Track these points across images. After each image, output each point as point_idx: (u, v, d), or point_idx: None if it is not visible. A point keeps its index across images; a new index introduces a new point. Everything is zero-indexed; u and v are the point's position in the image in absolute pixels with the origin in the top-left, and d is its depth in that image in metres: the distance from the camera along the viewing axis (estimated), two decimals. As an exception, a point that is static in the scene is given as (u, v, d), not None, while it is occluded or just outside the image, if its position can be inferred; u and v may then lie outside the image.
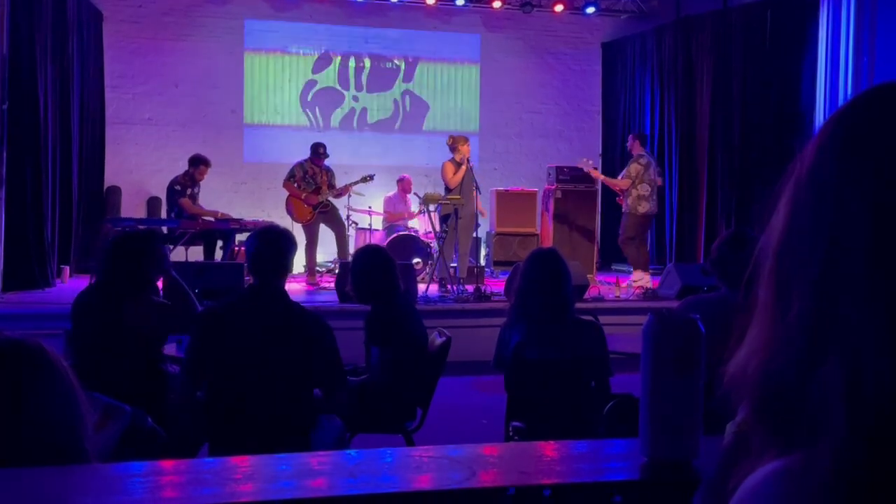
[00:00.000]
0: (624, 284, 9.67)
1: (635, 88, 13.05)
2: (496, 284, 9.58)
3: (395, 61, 13.37)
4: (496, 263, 11.03)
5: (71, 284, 9.11)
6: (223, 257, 9.32)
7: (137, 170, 12.13)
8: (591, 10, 13.11)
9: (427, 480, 1.49)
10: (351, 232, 10.83)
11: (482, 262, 11.16)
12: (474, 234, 10.10)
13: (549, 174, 11.37)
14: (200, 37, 12.42)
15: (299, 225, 9.75)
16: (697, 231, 11.53)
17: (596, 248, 11.04)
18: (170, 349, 4.31)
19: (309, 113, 12.99)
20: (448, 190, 9.46)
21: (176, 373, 3.99)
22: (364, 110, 13.23)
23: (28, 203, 8.74)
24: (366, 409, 3.99)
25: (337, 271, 9.44)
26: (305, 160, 9.95)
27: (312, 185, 9.83)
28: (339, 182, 10.16)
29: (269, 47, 12.85)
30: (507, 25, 13.47)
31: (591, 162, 10.46)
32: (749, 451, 0.79)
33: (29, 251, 8.72)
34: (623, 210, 9.85)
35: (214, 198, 10.07)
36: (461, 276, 9.21)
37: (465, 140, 9.53)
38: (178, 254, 9.06)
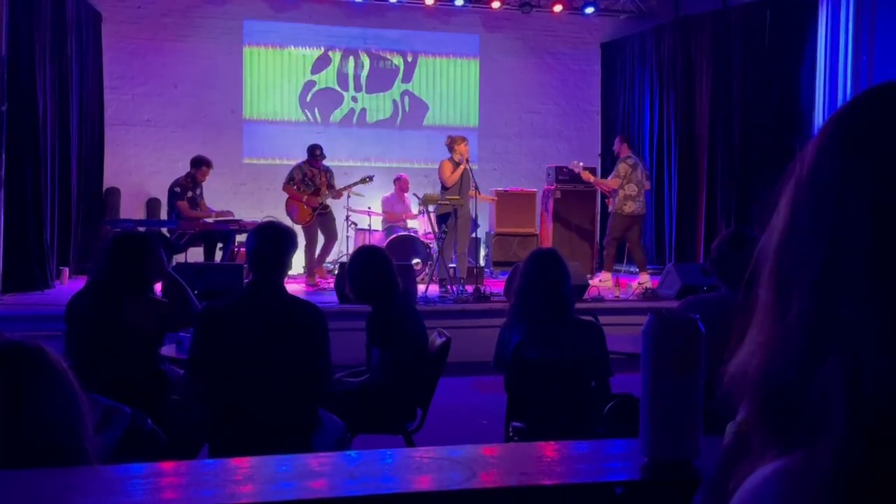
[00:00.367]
0: (594, 281, 9.70)
1: (634, 88, 13.05)
2: (496, 285, 9.58)
3: (394, 62, 13.37)
4: (496, 264, 11.04)
5: (70, 286, 9.10)
6: (223, 258, 9.31)
7: (136, 171, 12.13)
8: (590, 10, 13.11)
9: (427, 481, 1.49)
10: (350, 233, 10.83)
11: (482, 262, 11.16)
12: (473, 235, 10.10)
13: (549, 174, 11.38)
14: (199, 37, 12.41)
15: (299, 226, 9.75)
16: (697, 231, 11.53)
17: (595, 249, 11.05)
18: (169, 350, 4.31)
19: (308, 113, 12.98)
20: (445, 189, 9.46)
21: (175, 374, 3.99)
22: (363, 111, 13.23)
23: (27, 204, 8.73)
24: (366, 410, 3.99)
25: (336, 272, 9.43)
26: (304, 162, 9.97)
27: (312, 187, 9.85)
28: (339, 182, 10.17)
29: (267, 48, 12.85)
30: (506, 26, 13.47)
31: (581, 163, 10.48)
32: (749, 451, 0.78)
33: (28, 252, 8.72)
34: (609, 210, 9.92)
35: (214, 199, 10.06)
36: (460, 276, 9.21)
37: (463, 140, 9.53)
38: (177, 255, 9.06)
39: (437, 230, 9.39)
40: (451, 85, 13.55)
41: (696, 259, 11.06)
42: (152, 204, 11.86)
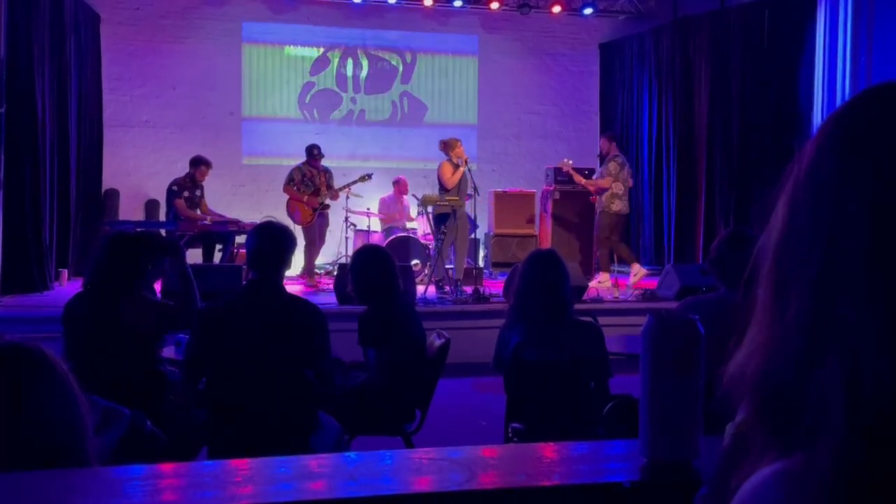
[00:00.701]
0: (594, 283, 9.71)
1: (633, 89, 13.06)
2: (495, 286, 9.58)
3: (393, 63, 13.37)
4: (495, 265, 11.03)
5: (69, 287, 9.09)
6: (222, 260, 9.31)
7: (135, 172, 12.13)
8: (588, 11, 13.11)
9: (427, 482, 1.49)
10: (349, 234, 10.84)
11: (481, 263, 11.16)
12: (472, 236, 10.10)
13: (548, 175, 11.37)
14: (198, 39, 12.42)
15: (300, 227, 9.76)
16: (696, 231, 11.53)
17: (594, 250, 11.05)
18: (168, 352, 4.30)
19: (307, 114, 12.99)
20: (445, 190, 9.46)
21: (175, 375, 3.98)
22: (362, 112, 13.24)
23: (26, 205, 8.73)
24: (365, 411, 3.99)
25: (336, 273, 9.43)
26: (303, 163, 10.00)
27: (311, 188, 9.87)
28: (338, 182, 10.19)
29: (266, 49, 12.85)
30: (504, 27, 13.47)
31: (570, 162, 10.52)
32: (749, 451, 0.78)
33: (27, 254, 8.72)
34: (597, 209, 9.94)
35: (213, 200, 10.06)
36: (458, 277, 9.21)
37: (458, 141, 9.52)
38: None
39: (435, 231, 9.39)
40: (449, 85, 13.55)
41: (695, 260, 11.07)
42: (151, 205, 11.86)
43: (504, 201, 11.22)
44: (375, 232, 11.18)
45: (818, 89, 9.93)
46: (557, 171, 11.13)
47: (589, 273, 10.09)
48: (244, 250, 8.80)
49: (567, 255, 9.06)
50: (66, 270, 9.73)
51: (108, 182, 11.72)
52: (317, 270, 10.32)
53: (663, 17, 12.85)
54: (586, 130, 13.86)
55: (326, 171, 10.03)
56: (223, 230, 9.35)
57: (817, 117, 9.83)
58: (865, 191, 0.72)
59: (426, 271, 9.91)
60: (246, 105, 12.77)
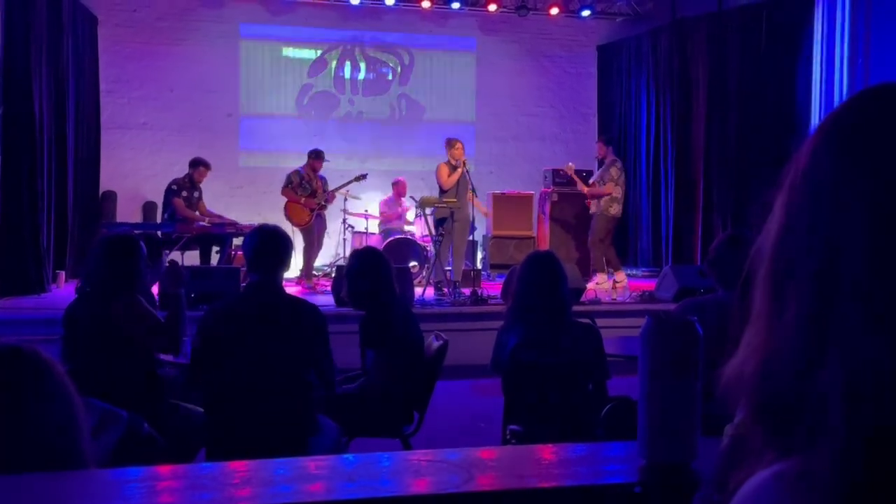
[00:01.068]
0: (591, 284, 9.74)
1: (631, 91, 13.07)
2: (493, 287, 9.58)
3: (391, 65, 13.37)
4: (493, 266, 11.03)
5: (67, 290, 9.08)
6: (219, 261, 9.31)
7: (133, 174, 12.12)
8: (586, 12, 13.13)
9: (425, 484, 1.49)
10: (347, 235, 10.84)
11: (479, 265, 11.16)
12: (470, 238, 10.10)
13: (546, 177, 11.38)
14: (195, 41, 12.41)
15: (297, 229, 9.76)
16: (694, 233, 11.54)
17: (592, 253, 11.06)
18: (167, 355, 4.29)
19: (305, 116, 12.98)
20: (442, 191, 9.47)
21: (171, 378, 3.98)
22: (360, 114, 13.24)
23: (24, 208, 8.72)
24: (363, 414, 3.99)
25: (333, 275, 9.43)
26: (303, 166, 10.02)
27: (309, 190, 9.88)
28: (332, 186, 10.19)
29: (264, 51, 12.85)
30: (502, 28, 13.47)
31: (573, 166, 10.52)
32: (748, 453, 0.78)
33: (25, 256, 8.71)
34: (593, 211, 9.95)
35: (211, 201, 10.06)
36: (456, 279, 9.21)
37: (458, 142, 9.53)
38: (173, 258, 9.04)
39: (433, 233, 9.39)
40: (447, 88, 13.56)
41: (693, 261, 11.08)
42: (149, 207, 11.85)
43: (502, 203, 11.22)
44: (373, 234, 11.18)
45: (816, 91, 9.94)
46: (556, 172, 11.13)
47: (587, 274, 10.10)
48: (242, 252, 8.84)
49: (565, 257, 9.09)
50: (63, 272, 9.72)
51: (105, 184, 11.71)
52: (315, 272, 10.32)
53: (661, 18, 12.85)
54: (584, 132, 13.86)
55: (323, 179, 10.07)
56: (221, 232, 9.35)
57: (815, 119, 9.85)
58: (863, 191, 0.72)
59: (424, 273, 9.91)
60: (243, 107, 12.76)
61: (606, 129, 13.47)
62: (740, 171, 10.88)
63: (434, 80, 13.51)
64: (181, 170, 9.97)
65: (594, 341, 3.83)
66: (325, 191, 10.00)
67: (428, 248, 10.18)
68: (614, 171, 9.89)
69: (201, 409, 3.54)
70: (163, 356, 4.10)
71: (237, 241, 9.35)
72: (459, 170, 9.34)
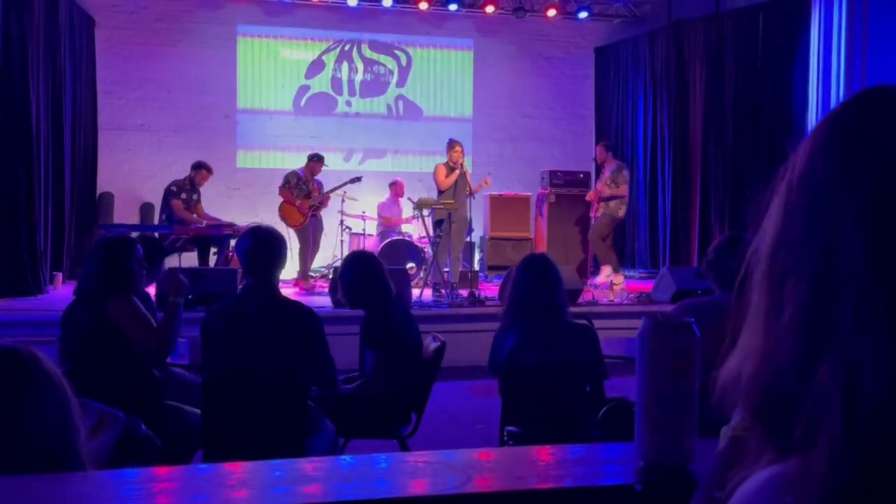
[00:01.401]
0: (601, 277, 9.78)
1: (628, 92, 13.08)
2: (490, 289, 9.58)
3: (389, 66, 13.37)
4: (490, 268, 11.03)
5: (63, 291, 9.08)
6: (217, 263, 9.31)
7: (130, 176, 12.11)
8: (583, 14, 13.14)
9: (422, 486, 1.49)
10: (345, 237, 10.84)
11: (476, 266, 11.16)
12: (468, 239, 10.11)
13: (543, 178, 11.39)
14: (193, 43, 12.41)
15: (293, 229, 9.77)
16: (691, 235, 11.55)
17: (590, 252, 11.07)
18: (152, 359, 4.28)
19: (302, 118, 12.98)
20: (440, 192, 9.48)
21: (167, 379, 3.97)
22: (357, 115, 13.24)
23: (21, 209, 8.71)
24: (360, 415, 3.98)
25: (330, 276, 9.43)
26: (302, 168, 10.05)
27: (305, 191, 9.90)
28: (328, 189, 10.22)
29: (261, 53, 12.84)
30: (499, 30, 13.48)
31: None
32: (745, 455, 0.78)
33: (21, 257, 8.69)
34: (601, 213, 9.97)
35: (208, 203, 10.06)
36: (454, 280, 9.21)
37: (457, 144, 9.55)
38: (171, 259, 9.03)
39: (431, 234, 9.39)
40: (445, 89, 13.56)
41: (691, 263, 11.09)
42: (146, 209, 11.84)
43: (499, 204, 11.22)
44: (371, 235, 11.17)
45: (812, 92, 9.96)
46: (553, 174, 11.15)
47: (585, 276, 10.12)
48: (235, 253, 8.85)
49: (563, 258, 9.10)
50: (60, 274, 9.70)
51: (102, 185, 11.70)
52: (311, 274, 10.32)
53: (658, 20, 12.87)
54: (581, 134, 13.87)
55: (319, 183, 10.09)
56: (218, 233, 9.35)
57: (811, 120, 9.86)
58: (861, 192, 0.72)
59: (422, 275, 9.91)
60: (241, 112, 12.75)
61: (604, 129, 13.49)
62: (737, 173, 10.90)
63: (431, 82, 13.51)
64: (178, 171, 9.97)
65: (591, 343, 3.83)
66: (319, 193, 10.03)
67: (425, 250, 10.18)
68: (626, 174, 10.02)
69: (198, 411, 3.53)
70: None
71: (234, 243, 9.35)
72: (457, 171, 9.34)
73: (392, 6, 12.70)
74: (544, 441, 2.04)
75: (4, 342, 1.64)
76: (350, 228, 11.04)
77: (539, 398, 3.68)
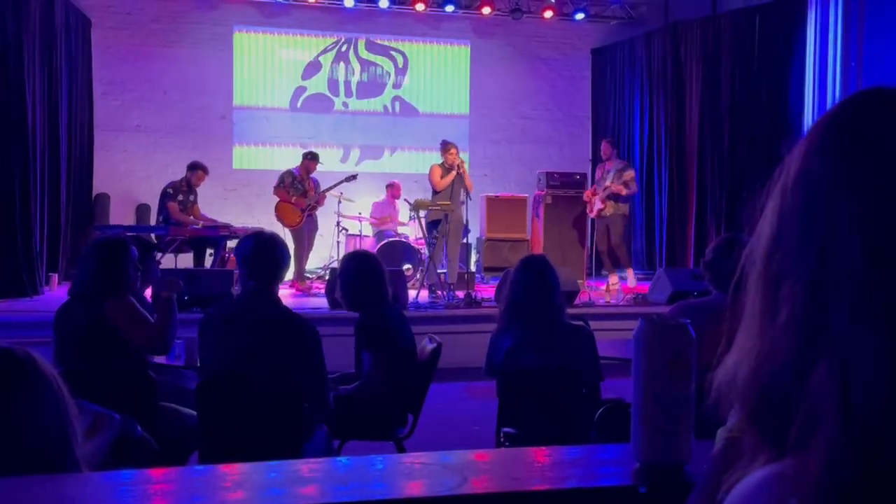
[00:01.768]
0: (609, 285, 9.84)
1: (625, 94, 13.09)
2: (487, 290, 9.58)
3: (385, 67, 13.38)
4: (487, 269, 11.03)
5: (59, 292, 9.06)
6: (213, 264, 9.30)
7: (126, 177, 12.09)
8: (580, 16, 13.15)
9: (419, 487, 1.49)
10: (341, 238, 10.83)
11: (473, 267, 11.15)
12: (464, 240, 10.11)
13: (540, 180, 11.39)
14: (189, 44, 12.40)
15: (288, 230, 9.76)
16: (687, 236, 11.56)
17: (586, 254, 11.08)
18: (160, 357, 4.28)
19: (298, 118, 12.98)
20: (435, 193, 9.48)
21: (163, 381, 3.96)
22: (354, 117, 13.23)
23: (16, 210, 8.70)
24: (357, 417, 3.98)
25: (327, 277, 9.43)
26: (297, 167, 10.04)
27: (301, 190, 9.89)
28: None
29: (258, 54, 12.84)
30: (496, 32, 13.49)
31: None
32: (740, 456, 0.78)
33: (17, 258, 8.68)
34: (609, 213, 9.97)
35: (204, 204, 10.05)
36: (451, 281, 9.21)
37: (453, 146, 9.55)
38: (167, 261, 9.03)
39: (427, 236, 9.39)
40: (441, 90, 13.56)
41: (687, 264, 11.10)
42: (142, 210, 11.83)
43: (496, 206, 11.22)
44: (367, 236, 11.17)
45: (809, 94, 9.98)
46: (549, 175, 11.16)
47: (582, 277, 10.13)
48: (235, 256, 8.84)
49: (559, 260, 9.10)
50: (55, 275, 9.69)
51: (98, 186, 11.69)
52: (308, 275, 10.32)
53: (655, 22, 12.89)
54: (578, 135, 13.88)
55: (315, 181, 10.08)
56: (214, 234, 9.34)
57: (808, 121, 9.88)
58: (858, 193, 0.72)
59: (418, 276, 9.91)
60: (237, 113, 12.75)
61: (600, 132, 13.50)
62: (734, 174, 10.91)
63: (428, 83, 13.51)
64: (175, 172, 9.96)
65: (588, 344, 3.83)
66: (316, 192, 10.02)
67: (422, 251, 10.18)
68: (631, 172, 10.04)
69: (194, 412, 3.53)
70: (155, 358, 4.10)
71: (231, 244, 9.34)
72: (453, 172, 9.35)
73: (388, 7, 12.70)
74: (541, 442, 2.04)
75: (0, 343, 1.64)
76: (346, 230, 11.03)
77: (536, 399, 3.68)
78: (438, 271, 9.26)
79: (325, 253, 11.19)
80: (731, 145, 11.01)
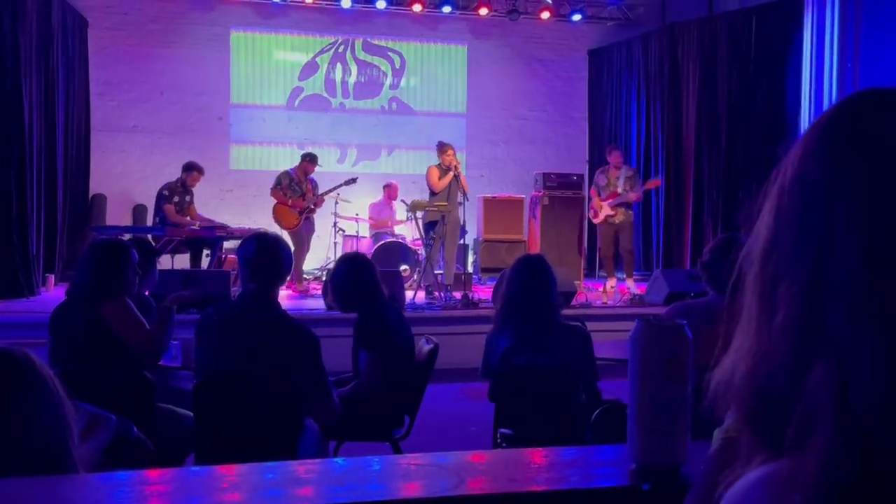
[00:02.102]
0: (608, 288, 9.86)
1: (622, 95, 13.10)
2: (484, 291, 9.58)
3: (382, 68, 13.38)
4: (484, 270, 11.03)
5: (56, 293, 9.05)
6: (209, 265, 9.29)
7: (123, 177, 12.08)
8: (577, 17, 13.17)
9: (415, 488, 1.49)
10: (338, 239, 10.83)
11: (469, 268, 11.16)
12: (461, 241, 10.11)
13: (537, 181, 11.39)
14: (186, 44, 12.39)
15: (286, 231, 9.75)
16: (684, 237, 11.57)
17: (583, 255, 11.09)
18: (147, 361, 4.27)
19: (295, 120, 12.97)
20: (432, 194, 9.48)
21: (161, 382, 3.96)
22: (351, 117, 13.23)
23: (13, 211, 8.69)
24: (353, 417, 3.98)
25: (324, 279, 9.42)
26: (294, 168, 10.03)
27: (298, 192, 9.88)
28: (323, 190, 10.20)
29: (255, 55, 12.84)
30: (493, 33, 13.49)
31: (658, 181, 10.73)
32: (737, 457, 0.78)
33: (13, 259, 8.67)
34: (620, 220, 10.00)
35: (201, 205, 10.04)
36: (447, 282, 9.21)
37: (449, 147, 9.55)
38: (164, 261, 9.02)
39: (424, 237, 9.39)
40: (438, 90, 13.57)
41: (684, 265, 11.11)
42: (139, 210, 11.82)
43: (493, 207, 11.22)
44: (364, 237, 11.16)
45: (805, 95, 9.99)
46: (546, 176, 11.16)
47: (579, 278, 10.13)
48: (232, 255, 8.85)
49: (556, 261, 9.09)
50: (52, 276, 9.68)
51: (95, 187, 11.67)
52: (305, 276, 10.31)
53: (652, 23, 12.90)
54: (575, 136, 13.89)
55: (313, 182, 10.07)
56: (211, 235, 9.33)
57: (804, 123, 9.90)
58: (857, 194, 0.72)
59: (415, 277, 9.91)
60: (234, 114, 12.75)
61: (597, 133, 13.53)
62: (730, 175, 10.93)
63: (425, 84, 13.52)
64: (171, 173, 9.95)
65: (584, 344, 3.83)
66: (314, 194, 10.00)
67: (419, 252, 10.18)
68: (637, 177, 10.16)
69: (190, 413, 3.52)
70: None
71: (227, 245, 9.33)
72: (451, 173, 9.35)
73: (385, 8, 12.71)
74: (537, 443, 2.04)
75: (-4, 344, 1.63)
76: (343, 231, 11.03)
77: (532, 400, 3.68)
78: (435, 272, 9.26)
79: (321, 254, 11.19)
80: (728, 146, 11.03)
